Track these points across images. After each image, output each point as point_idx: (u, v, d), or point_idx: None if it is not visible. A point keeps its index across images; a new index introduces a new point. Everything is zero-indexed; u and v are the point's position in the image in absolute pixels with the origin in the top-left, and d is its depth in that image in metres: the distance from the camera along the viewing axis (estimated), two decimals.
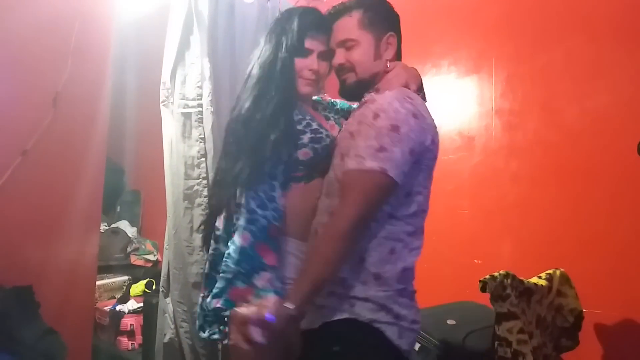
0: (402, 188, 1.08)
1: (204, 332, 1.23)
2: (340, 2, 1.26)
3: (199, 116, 1.94)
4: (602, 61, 1.62)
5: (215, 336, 1.22)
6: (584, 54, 1.66)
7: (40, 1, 1.69)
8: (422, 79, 2.01)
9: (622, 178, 1.57)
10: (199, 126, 1.95)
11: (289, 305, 0.96)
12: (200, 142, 1.94)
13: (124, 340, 2.54)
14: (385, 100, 1.09)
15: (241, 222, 1.17)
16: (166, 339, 1.97)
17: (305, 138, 1.25)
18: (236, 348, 0.95)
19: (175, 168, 1.97)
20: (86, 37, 1.77)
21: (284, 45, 1.28)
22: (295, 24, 1.30)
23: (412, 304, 1.13)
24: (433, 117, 1.15)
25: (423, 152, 1.10)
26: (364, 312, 1.07)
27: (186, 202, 1.93)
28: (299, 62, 1.29)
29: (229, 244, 1.19)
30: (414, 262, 1.14)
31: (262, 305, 0.95)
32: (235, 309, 0.99)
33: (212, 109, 1.93)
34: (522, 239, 1.78)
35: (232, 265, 1.16)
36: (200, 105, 1.94)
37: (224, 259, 1.18)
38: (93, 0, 1.81)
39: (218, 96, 1.97)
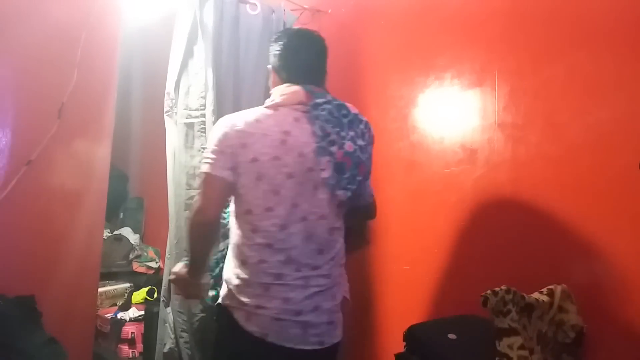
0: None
1: None
2: None
3: (202, 126, 1.96)
4: (604, 77, 1.62)
5: None
6: (586, 70, 1.66)
7: (47, 12, 1.71)
8: (426, 91, 2.05)
9: (624, 193, 1.56)
10: (202, 136, 1.96)
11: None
12: (203, 152, 1.95)
13: (125, 348, 2.54)
14: None
15: None
16: (166, 349, 1.97)
17: None
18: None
19: (177, 178, 1.99)
20: (92, 48, 1.79)
21: None
22: None
23: (259, 293, 1.32)
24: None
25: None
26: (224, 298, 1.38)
27: (187, 212, 1.94)
28: None
29: None
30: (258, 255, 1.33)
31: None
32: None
33: (214, 119, 1.94)
34: (523, 253, 1.77)
35: None
36: (204, 116, 1.96)
37: None
38: (99, 11, 1.83)
39: (221, 106, 1.98)
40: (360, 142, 1.40)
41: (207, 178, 1.33)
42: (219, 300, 1.39)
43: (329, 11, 2.52)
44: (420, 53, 2.16)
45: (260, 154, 1.32)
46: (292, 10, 2.34)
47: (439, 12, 2.11)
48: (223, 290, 1.38)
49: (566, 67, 1.71)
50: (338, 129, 1.37)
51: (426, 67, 2.12)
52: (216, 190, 1.33)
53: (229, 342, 1.36)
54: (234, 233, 1.38)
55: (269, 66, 1.49)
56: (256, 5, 2.16)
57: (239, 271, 1.34)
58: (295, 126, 1.36)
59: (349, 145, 1.37)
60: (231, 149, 1.32)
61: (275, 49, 1.47)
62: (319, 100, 1.39)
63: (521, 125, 1.82)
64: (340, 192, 1.38)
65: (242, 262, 1.33)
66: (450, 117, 2.04)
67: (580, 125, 1.66)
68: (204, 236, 1.36)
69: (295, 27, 1.58)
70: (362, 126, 1.44)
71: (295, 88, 1.41)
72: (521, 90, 1.83)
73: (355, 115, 1.43)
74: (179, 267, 1.47)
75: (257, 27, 2.15)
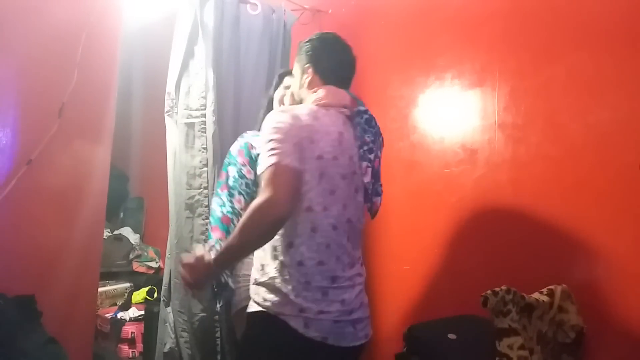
0: None
1: None
2: None
3: (202, 126, 1.96)
4: (605, 77, 1.63)
5: None
6: (587, 70, 1.67)
7: (48, 12, 1.71)
8: (426, 91, 2.04)
9: (625, 193, 1.57)
10: (202, 136, 1.96)
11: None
12: (203, 152, 1.95)
13: (125, 348, 2.54)
14: None
15: None
16: (166, 349, 1.97)
17: None
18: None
19: (177, 178, 1.99)
20: (93, 48, 1.79)
21: None
22: None
23: (319, 298, 1.25)
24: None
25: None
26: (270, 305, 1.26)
27: (187, 211, 1.94)
28: None
29: None
30: (317, 257, 1.27)
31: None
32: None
33: (214, 119, 1.94)
34: (523, 253, 1.77)
35: None
36: (204, 116, 1.96)
37: None
38: (100, 11, 1.82)
39: (221, 106, 1.98)
40: (379, 153, 1.46)
41: (277, 170, 1.18)
42: (259, 308, 1.27)
43: (330, 11, 2.52)
44: (420, 53, 2.16)
45: (324, 152, 1.28)
46: (292, 10, 2.34)
47: (439, 12, 2.11)
48: (264, 296, 1.27)
49: (567, 67, 1.71)
50: (373, 139, 1.42)
51: (427, 67, 2.12)
52: (289, 180, 1.19)
53: (283, 352, 1.25)
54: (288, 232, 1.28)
55: (306, 65, 1.44)
56: (257, 5, 2.16)
57: (295, 273, 1.25)
58: (344, 128, 1.37)
59: (376, 156, 1.43)
60: (300, 141, 1.24)
61: (316, 47, 1.44)
62: (362, 108, 1.42)
63: (522, 126, 1.82)
64: (376, 199, 1.45)
65: (299, 263, 1.25)
66: (450, 117, 2.04)
67: (581, 125, 1.67)
68: (270, 230, 1.20)
69: (329, 32, 1.56)
70: (380, 139, 1.48)
71: (341, 91, 1.42)
72: (522, 91, 1.83)
73: (379, 128, 1.48)
74: (202, 251, 1.26)
75: (257, 27, 2.16)
